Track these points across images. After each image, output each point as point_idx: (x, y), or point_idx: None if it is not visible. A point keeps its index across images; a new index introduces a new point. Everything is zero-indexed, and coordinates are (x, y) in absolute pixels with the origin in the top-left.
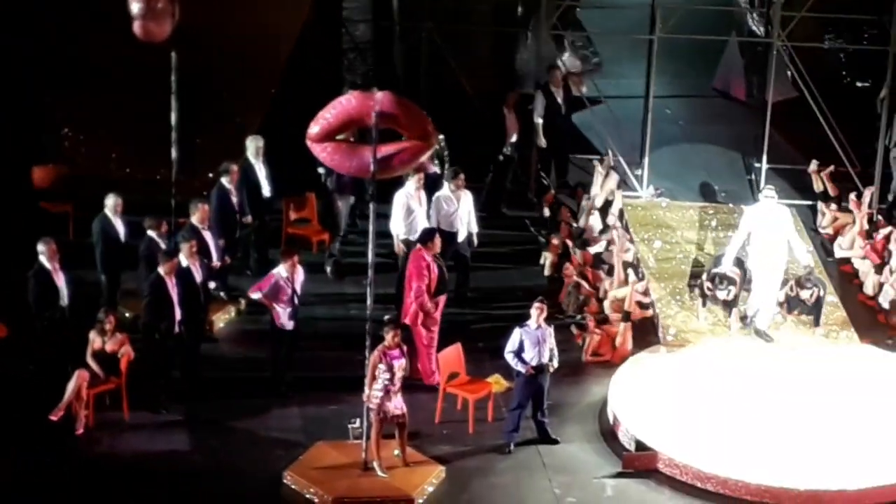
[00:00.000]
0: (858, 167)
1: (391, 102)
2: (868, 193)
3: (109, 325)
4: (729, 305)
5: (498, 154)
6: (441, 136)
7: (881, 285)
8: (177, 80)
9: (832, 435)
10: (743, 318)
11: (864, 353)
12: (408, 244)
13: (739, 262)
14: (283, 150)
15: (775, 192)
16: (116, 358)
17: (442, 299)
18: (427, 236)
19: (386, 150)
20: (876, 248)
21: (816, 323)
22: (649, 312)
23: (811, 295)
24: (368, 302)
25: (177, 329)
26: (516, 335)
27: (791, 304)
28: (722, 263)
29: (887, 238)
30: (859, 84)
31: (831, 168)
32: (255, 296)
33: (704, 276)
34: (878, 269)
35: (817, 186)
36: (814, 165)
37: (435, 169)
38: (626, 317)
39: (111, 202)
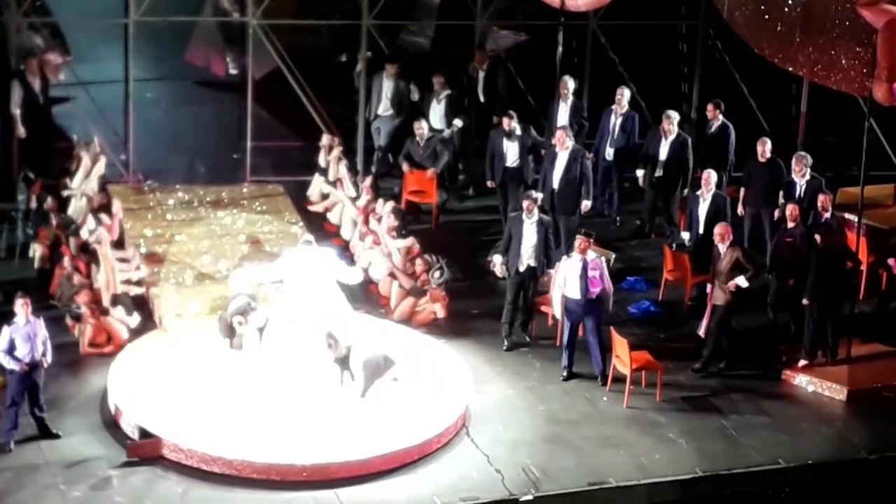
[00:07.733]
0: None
1: None
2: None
3: None
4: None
5: None
6: None
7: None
8: None
9: (335, 410)
10: None
11: (365, 326)
12: None
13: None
14: None
15: (313, 240)
16: None
17: None
18: None
19: None
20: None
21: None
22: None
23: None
24: None
25: None
26: (6, 333)
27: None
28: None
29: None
30: (340, 59)
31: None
32: None
33: (230, 313)
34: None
35: (324, 161)
36: (325, 140)
37: None
38: (105, 312)
39: None
